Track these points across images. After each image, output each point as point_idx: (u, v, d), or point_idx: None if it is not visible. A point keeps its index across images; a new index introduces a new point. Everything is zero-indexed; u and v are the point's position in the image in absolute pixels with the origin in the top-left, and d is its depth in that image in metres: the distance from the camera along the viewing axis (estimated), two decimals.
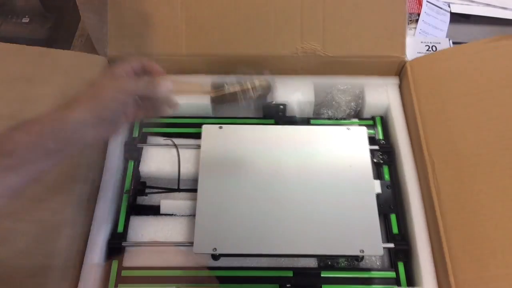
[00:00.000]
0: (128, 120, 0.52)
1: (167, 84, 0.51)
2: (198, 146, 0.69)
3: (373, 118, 0.76)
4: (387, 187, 0.67)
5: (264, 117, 0.75)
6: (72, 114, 0.45)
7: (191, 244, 0.60)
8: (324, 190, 0.63)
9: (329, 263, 0.64)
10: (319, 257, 0.64)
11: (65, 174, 0.61)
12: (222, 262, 0.61)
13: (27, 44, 0.70)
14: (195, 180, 0.66)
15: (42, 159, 0.44)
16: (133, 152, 0.71)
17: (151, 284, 0.61)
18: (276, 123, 0.74)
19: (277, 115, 0.75)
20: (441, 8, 0.97)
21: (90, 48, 0.93)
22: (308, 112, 0.76)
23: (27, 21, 0.90)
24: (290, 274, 0.61)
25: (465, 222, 0.58)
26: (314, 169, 0.65)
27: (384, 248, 0.62)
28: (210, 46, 0.72)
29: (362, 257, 0.63)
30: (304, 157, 0.66)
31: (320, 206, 0.62)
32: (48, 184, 0.60)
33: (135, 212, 0.67)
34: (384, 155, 0.71)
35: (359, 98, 0.77)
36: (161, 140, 0.72)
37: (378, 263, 0.65)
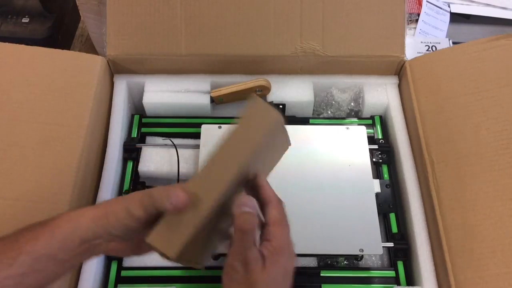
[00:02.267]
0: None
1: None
2: (197, 146, 0.69)
3: (372, 118, 0.76)
4: (386, 186, 0.67)
5: None
6: (83, 220, 0.40)
7: None
8: (323, 190, 0.63)
9: (329, 262, 0.64)
10: (319, 256, 0.64)
11: (64, 174, 0.61)
12: (222, 262, 0.61)
13: (27, 44, 0.70)
14: None
15: (50, 269, 0.40)
16: (132, 152, 0.71)
17: (151, 284, 0.61)
18: None
19: None
20: (441, 8, 0.97)
21: (90, 48, 0.93)
22: (308, 111, 0.76)
23: (27, 21, 0.90)
24: None
25: (464, 221, 0.58)
26: (313, 169, 0.65)
27: (383, 247, 0.62)
28: (210, 46, 0.72)
29: (362, 256, 0.63)
30: (304, 156, 0.66)
31: (319, 206, 0.62)
32: (48, 185, 0.60)
33: None
34: (383, 155, 0.71)
35: (359, 98, 0.77)
36: (160, 140, 0.72)
37: (377, 262, 0.65)
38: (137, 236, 0.43)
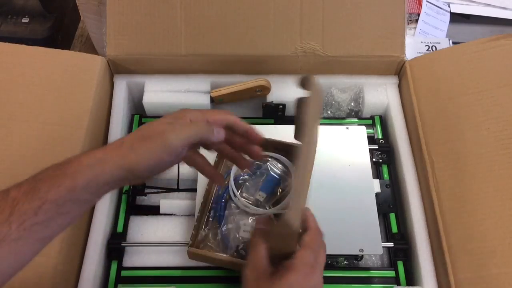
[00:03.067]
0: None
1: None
2: None
3: (372, 118, 0.76)
4: (386, 186, 0.67)
5: (264, 117, 0.75)
6: (107, 167, 0.41)
7: None
8: (323, 190, 0.63)
9: (329, 262, 0.64)
10: None
11: None
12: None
13: (27, 44, 0.70)
14: (194, 180, 0.66)
15: (75, 210, 0.40)
16: None
17: (151, 284, 0.61)
18: (275, 123, 0.74)
19: (276, 115, 0.75)
20: (441, 8, 0.97)
21: (90, 48, 0.93)
22: None
23: (27, 21, 0.90)
24: None
25: (464, 221, 0.58)
26: (313, 169, 0.65)
27: (383, 247, 0.62)
28: (210, 46, 0.72)
29: (362, 256, 0.63)
30: None
31: (319, 206, 0.62)
32: None
33: (134, 212, 0.67)
34: (383, 155, 0.71)
35: (359, 98, 0.77)
36: None
37: (377, 262, 0.65)
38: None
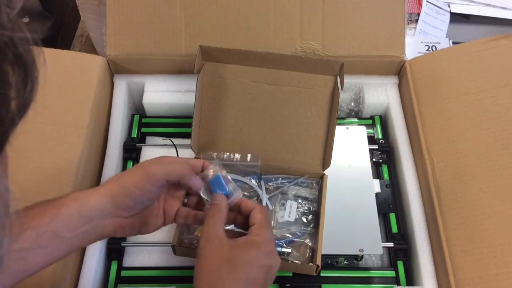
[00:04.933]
0: (160, 221, 0.49)
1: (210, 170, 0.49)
2: None
3: (372, 118, 0.76)
4: (386, 186, 0.67)
5: None
6: (92, 198, 0.42)
7: None
8: None
9: (329, 262, 0.64)
10: None
11: (64, 174, 0.61)
12: None
13: None
14: None
15: (54, 246, 0.40)
16: (132, 152, 0.71)
17: (151, 284, 0.61)
18: None
19: None
20: (441, 8, 0.97)
21: (90, 48, 0.93)
22: None
23: (27, 21, 0.90)
24: (289, 274, 0.61)
25: (464, 221, 0.58)
26: None
27: (383, 247, 0.62)
28: None
29: (362, 256, 0.63)
30: None
31: None
32: (48, 185, 0.60)
33: None
34: (383, 155, 0.71)
35: (359, 98, 0.77)
36: (160, 140, 0.72)
37: (377, 262, 0.65)
38: (144, 211, 0.47)
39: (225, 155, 0.63)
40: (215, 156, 0.63)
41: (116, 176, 0.46)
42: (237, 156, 0.63)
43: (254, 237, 0.44)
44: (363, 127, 0.70)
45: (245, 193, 0.64)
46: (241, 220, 0.49)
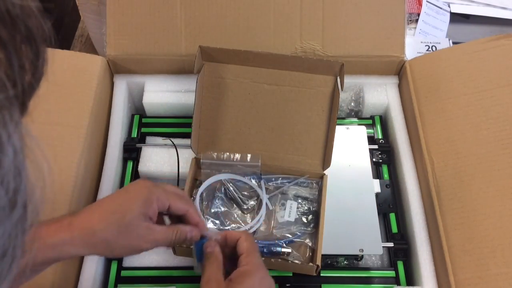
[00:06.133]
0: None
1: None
2: None
3: (372, 118, 0.76)
4: (386, 186, 0.67)
5: None
6: (67, 249, 0.42)
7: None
8: None
9: (329, 262, 0.64)
10: None
11: (64, 174, 0.61)
12: None
13: None
14: None
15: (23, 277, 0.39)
16: (132, 152, 0.71)
17: (151, 284, 0.61)
18: None
19: None
20: (441, 8, 0.97)
21: (90, 48, 0.93)
22: None
23: None
24: (289, 274, 0.61)
25: (464, 221, 0.58)
26: None
27: (383, 247, 0.62)
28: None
29: (362, 256, 0.63)
30: None
31: None
32: (48, 185, 0.60)
33: None
34: (383, 155, 0.71)
35: (359, 98, 0.77)
36: (160, 140, 0.72)
37: (377, 262, 0.65)
38: None
39: (225, 155, 0.63)
40: (215, 156, 0.63)
41: (103, 234, 0.44)
42: (237, 156, 0.63)
43: (244, 267, 0.46)
44: (363, 127, 0.70)
45: (245, 193, 0.64)
46: (229, 251, 0.49)
